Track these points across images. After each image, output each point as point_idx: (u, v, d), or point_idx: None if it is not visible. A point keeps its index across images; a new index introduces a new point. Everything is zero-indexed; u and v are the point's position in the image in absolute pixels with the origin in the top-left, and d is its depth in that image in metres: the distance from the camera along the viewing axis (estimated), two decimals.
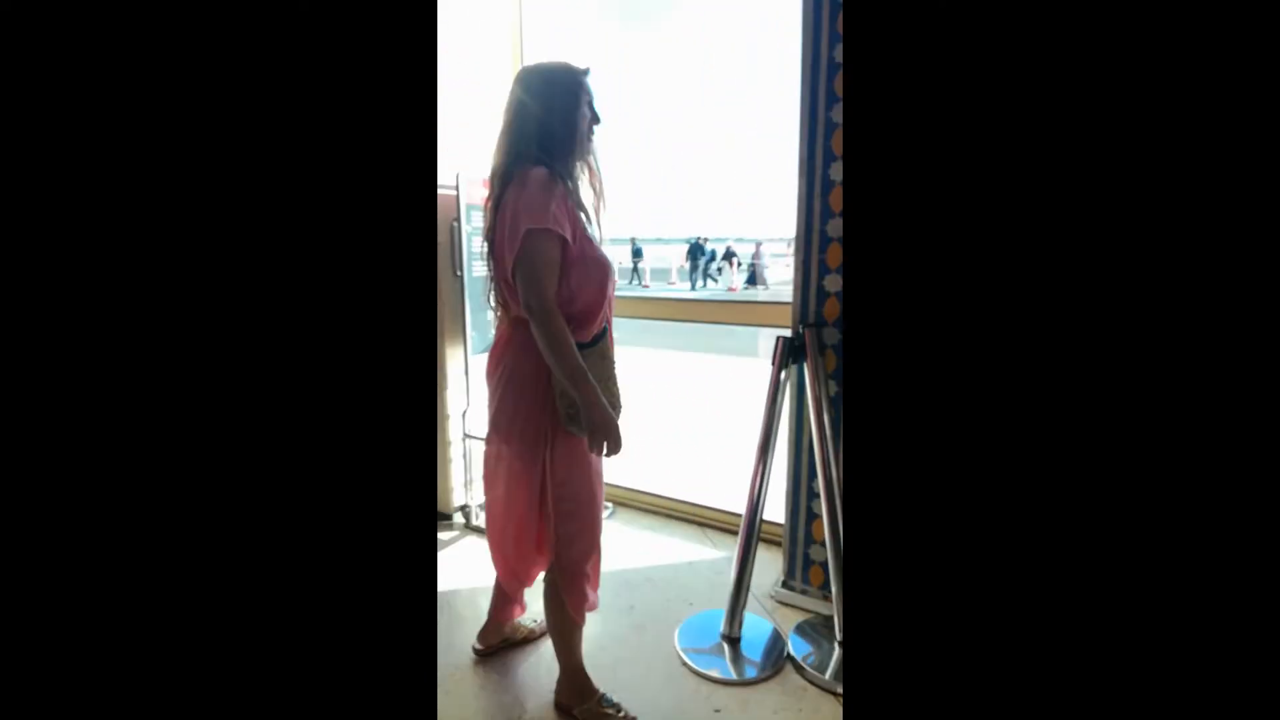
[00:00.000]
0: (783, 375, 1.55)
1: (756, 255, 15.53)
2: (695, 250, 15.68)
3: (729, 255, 15.87)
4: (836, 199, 1.52)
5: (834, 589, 1.54)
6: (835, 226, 1.53)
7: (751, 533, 1.57)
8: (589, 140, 1.17)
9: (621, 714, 1.31)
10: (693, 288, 15.22)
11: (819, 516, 1.66)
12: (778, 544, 1.85)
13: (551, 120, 1.11)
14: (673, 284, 15.91)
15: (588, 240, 1.13)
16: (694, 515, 2.22)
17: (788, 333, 1.61)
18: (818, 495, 1.65)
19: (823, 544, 1.67)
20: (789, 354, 1.55)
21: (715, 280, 15.95)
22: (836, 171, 1.51)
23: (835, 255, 1.55)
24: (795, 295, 1.61)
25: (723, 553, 2.01)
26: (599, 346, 1.13)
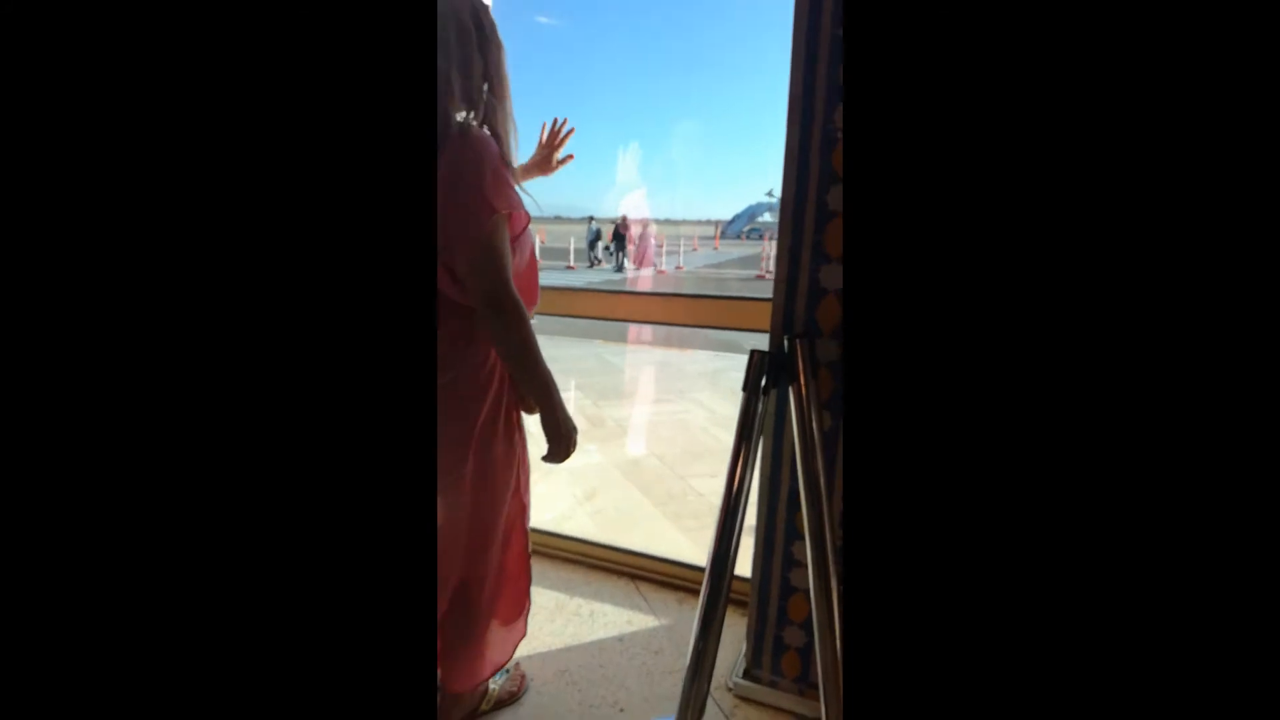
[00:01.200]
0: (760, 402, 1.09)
1: (644, 236, 15.06)
2: (620, 230, 15.24)
3: (618, 236, 15.38)
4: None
5: (821, 690, 1.11)
6: (840, 196, 1.07)
7: (711, 621, 1.11)
8: (506, 78, 0.97)
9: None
10: (619, 269, 14.75)
11: (800, 591, 1.22)
12: (740, 603, 1.42)
13: (469, 55, 0.91)
14: (573, 267, 15.31)
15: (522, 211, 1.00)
16: (623, 566, 1.74)
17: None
18: (799, 564, 1.21)
19: (802, 626, 1.24)
20: (768, 374, 1.09)
21: (600, 261, 15.64)
22: None
23: (839, 237, 1.09)
24: (777, 292, 1.15)
25: (662, 620, 1.55)
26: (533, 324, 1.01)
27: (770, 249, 16.16)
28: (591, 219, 16.89)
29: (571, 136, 1.29)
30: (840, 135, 1.06)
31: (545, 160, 1.28)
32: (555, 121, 1.28)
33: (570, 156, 1.30)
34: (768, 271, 14.25)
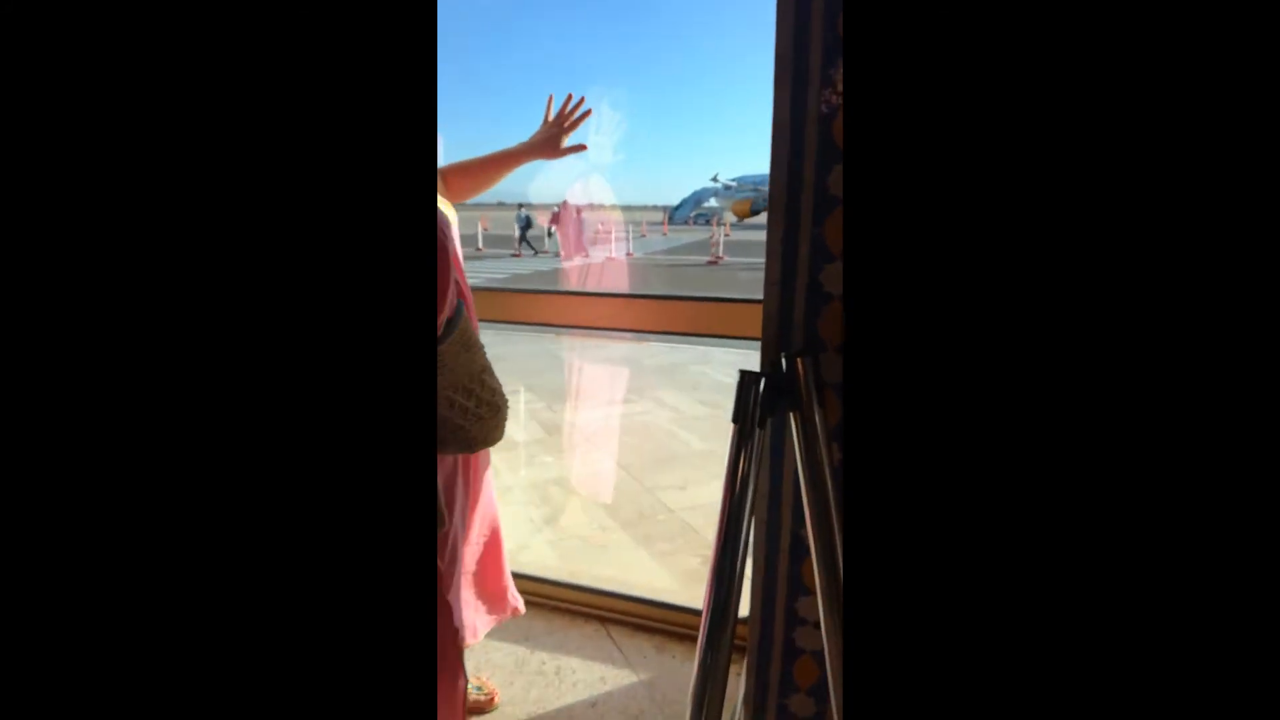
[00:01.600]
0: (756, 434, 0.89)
1: (575, 222, 14.07)
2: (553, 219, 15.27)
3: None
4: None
5: None
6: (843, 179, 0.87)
7: (704, 700, 0.91)
8: None
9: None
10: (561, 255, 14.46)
11: (807, 653, 1.04)
12: (738, 648, 1.22)
13: None
14: (519, 255, 15.09)
15: None
16: (591, 608, 1.53)
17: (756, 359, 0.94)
18: (806, 621, 1.02)
19: (810, 693, 1.05)
20: (763, 400, 0.89)
21: (545, 249, 15.51)
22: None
23: (840, 230, 0.89)
24: (769, 298, 0.94)
25: (640, 675, 1.35)
26: (457, 332, 0.78)
27: (720, 234, 16.14)
28: (521, 206, 16.63)
29: (587, 120, 1.09)
30: (841, 103, 0.86)
31: (551, 141, 1.08)
32: (569, 99, 1.08)
33: (582, 146, 1.10)
34: (719, 257, 14.16)
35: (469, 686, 1.23)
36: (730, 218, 31.15)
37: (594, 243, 14.79)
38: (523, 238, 15.64)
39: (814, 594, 0.92)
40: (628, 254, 15.81)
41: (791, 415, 0.90)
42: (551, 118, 1.09)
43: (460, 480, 0.91)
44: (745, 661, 1.11)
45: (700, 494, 2.26)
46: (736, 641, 1.16)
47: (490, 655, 1.38)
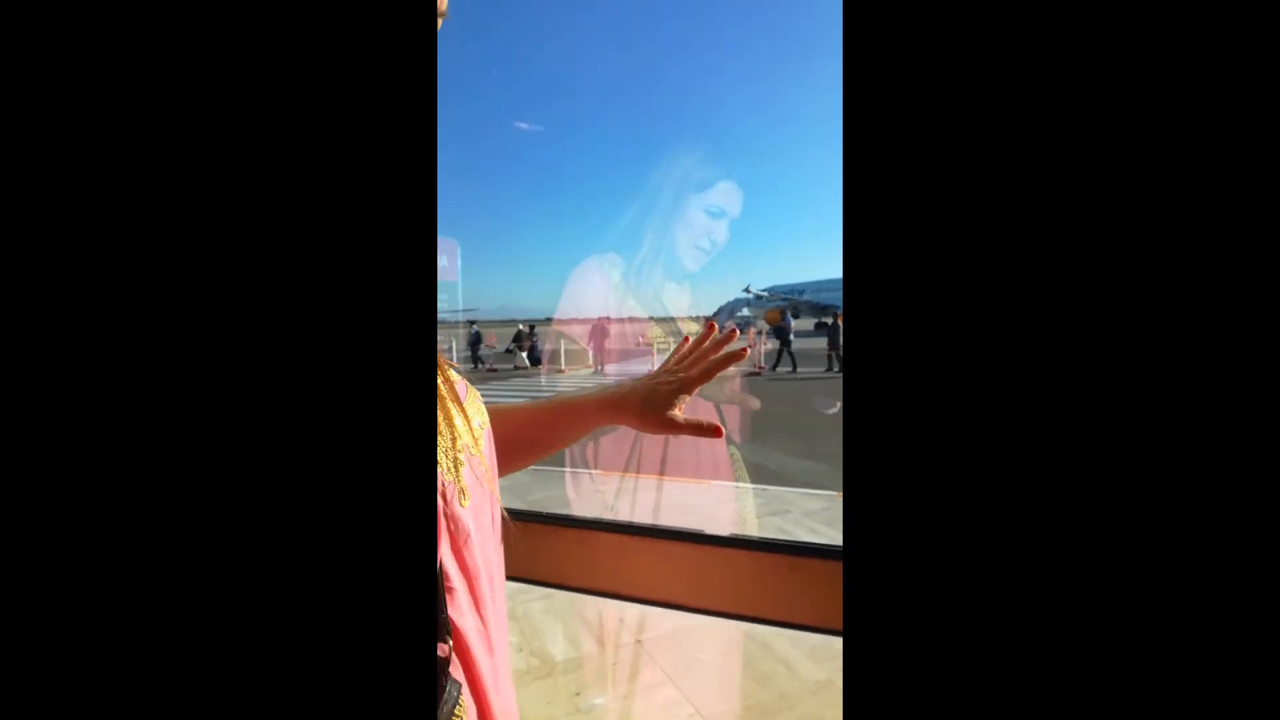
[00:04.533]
0: None
1: (530, 337, 14.79)
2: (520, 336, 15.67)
3: (519, 336, 15.64)
4: None
5: None
6: None
7: None
8: None
9: None
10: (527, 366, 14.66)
11: None
12: None
13: None
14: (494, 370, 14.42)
15: None
16: None
17: None
18: None
19: None
20: None
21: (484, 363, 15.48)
22: None
23: None
24: None
25: None
26: None
27: (760, 344, 16.18)
28: (473, 323, 18.43)
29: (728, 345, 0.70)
30: None
31: (654, 403, 0.63)
32: (710, 330, 0.69)
33: (714, 430, 0.65)
34: (761, 366, 14.16)
35: None
36: (764, 325, 31.93)
37: (631, 357, 14.82)
38: (475, 353, 16.02)
39: None
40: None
41: None
42: (678, 358, 0.67)
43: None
44: None
45: None
46: None
47: None
